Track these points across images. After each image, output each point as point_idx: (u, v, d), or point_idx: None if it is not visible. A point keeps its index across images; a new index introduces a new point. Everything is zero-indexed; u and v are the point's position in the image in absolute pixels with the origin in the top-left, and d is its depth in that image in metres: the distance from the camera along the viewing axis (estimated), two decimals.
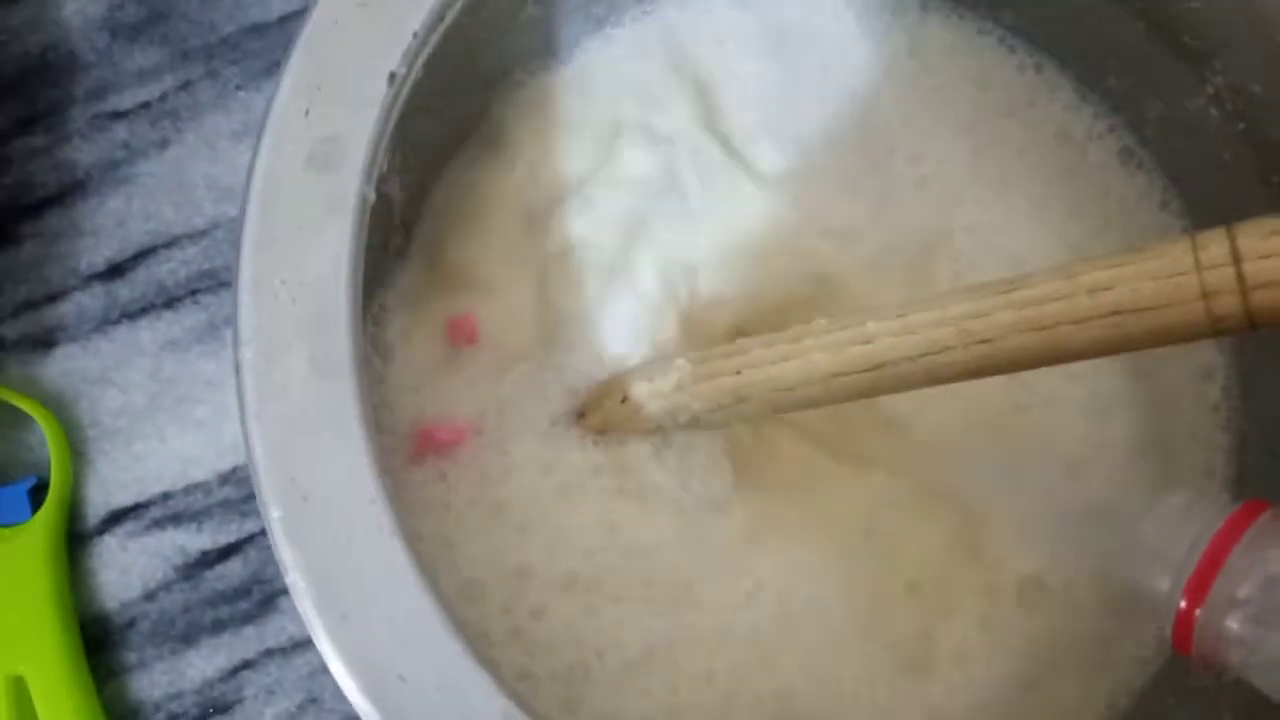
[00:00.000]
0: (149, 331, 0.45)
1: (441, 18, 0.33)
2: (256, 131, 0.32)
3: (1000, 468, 0.40)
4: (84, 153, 0.46)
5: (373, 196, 0.32)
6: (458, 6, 0.34)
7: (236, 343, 0.31)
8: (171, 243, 0.45)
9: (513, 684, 0.31)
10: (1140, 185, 0.44)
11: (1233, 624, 0.30)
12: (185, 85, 0.47)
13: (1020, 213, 0.43)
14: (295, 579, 0.31)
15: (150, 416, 0.44)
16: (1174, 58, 0.40)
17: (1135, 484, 0.42)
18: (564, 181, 0.42)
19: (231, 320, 0.31)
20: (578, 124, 0.43)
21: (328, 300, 0.31)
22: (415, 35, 0.33)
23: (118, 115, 0.46)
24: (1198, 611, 0.30)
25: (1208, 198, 0.43)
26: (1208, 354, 0.43)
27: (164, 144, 0.46)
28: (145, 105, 0.46)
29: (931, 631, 0.40)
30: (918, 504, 0.41)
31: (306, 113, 0.31)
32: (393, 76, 0.32)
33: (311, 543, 0.31)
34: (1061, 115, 0.44)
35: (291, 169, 0.31)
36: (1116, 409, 0.42)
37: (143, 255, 0.45)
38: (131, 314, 0.45)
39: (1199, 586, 0.30)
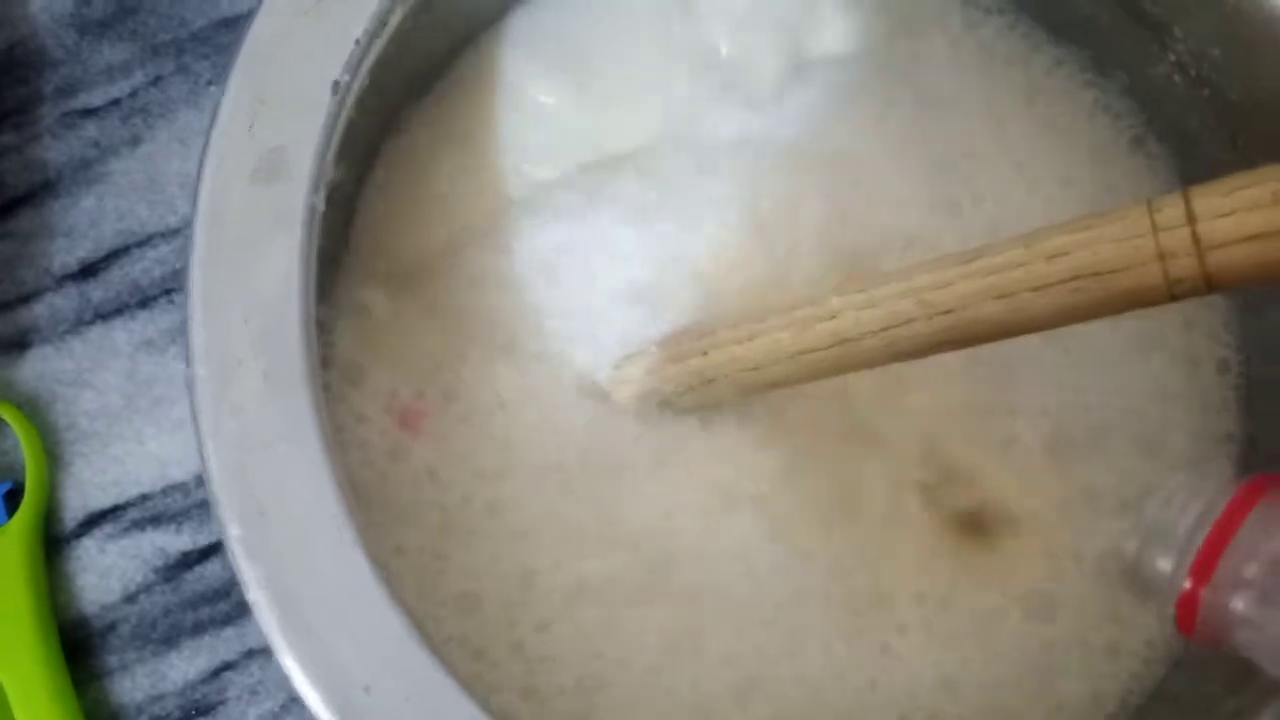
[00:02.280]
0: (124, 332, 0.44)
1: (384, 23, 0.33)
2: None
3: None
4: (54, 151, 0.45)
5: (322, 206, 0.32)
6: (400, 12, 0.33)
7: (189, 361, 0.31)
8: (145, 241, 0.45)
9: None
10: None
11: (1238, 604, 0.30)
12: (156, 81, 0.46)
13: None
14: (256, 596, 0.31)
15: (127, 418, 0.44)
16: (1135, 26, 0.40)
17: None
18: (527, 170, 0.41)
19: (183, 340, 0.31)
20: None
21: (280, 314, 0.31)
22: (358, 42, 0.32)
23: (88, 112, 0.46)
24: (1202, 592, 0.30)
25: (1177, 165, 0.42)
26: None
27: (135, 141, 0.46)
28: (116, 102, 0.46)
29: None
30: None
31: (250, 127, 0.31)
32: (336, 85, 0.32)
33: (272, 558, 0.31)
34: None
35: (237, 184, 0.31)
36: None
37: (116, 255, 0.45)
38: (106, 314, 0.44)
39: (1204, 567, 0.30)
